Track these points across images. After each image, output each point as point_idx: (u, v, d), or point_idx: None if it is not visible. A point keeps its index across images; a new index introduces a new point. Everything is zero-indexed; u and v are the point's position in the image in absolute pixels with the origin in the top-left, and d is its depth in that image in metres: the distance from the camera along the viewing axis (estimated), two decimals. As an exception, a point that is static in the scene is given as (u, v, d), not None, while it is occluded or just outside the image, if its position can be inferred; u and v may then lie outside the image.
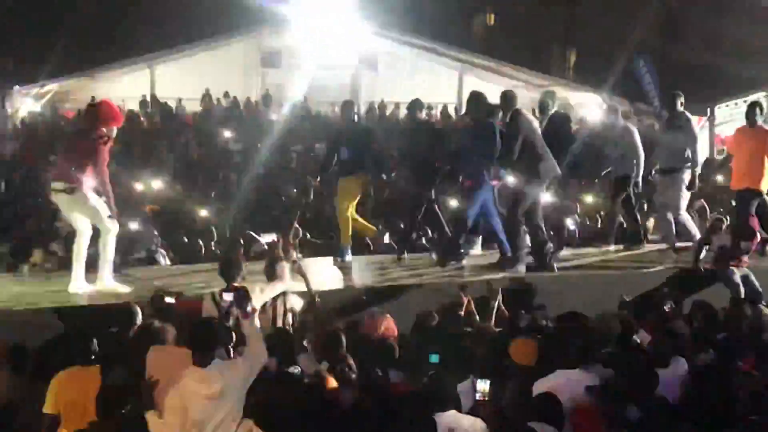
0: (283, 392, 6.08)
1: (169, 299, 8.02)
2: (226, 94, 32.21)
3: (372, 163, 11.57)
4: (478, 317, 8.61)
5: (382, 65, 33.49)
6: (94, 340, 6.77)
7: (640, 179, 12.67)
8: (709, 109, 28.74)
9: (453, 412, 6.03)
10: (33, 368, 6.87)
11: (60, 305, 8.86)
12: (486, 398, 6.17)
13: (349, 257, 11.46)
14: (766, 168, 11.33)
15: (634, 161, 12.45)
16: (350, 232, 11.46)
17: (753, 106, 11.80)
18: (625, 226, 13.14)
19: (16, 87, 29.47)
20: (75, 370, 6.47)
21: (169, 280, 10.28)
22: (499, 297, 8.98)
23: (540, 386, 6.47)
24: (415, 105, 12.01)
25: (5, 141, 27.49)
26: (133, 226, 13.34)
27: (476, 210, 11.07)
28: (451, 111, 32.71)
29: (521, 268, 10.72)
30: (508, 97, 11.34)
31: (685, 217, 12.26)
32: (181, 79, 31.38)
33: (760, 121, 11.64)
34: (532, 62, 34.73)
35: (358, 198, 11.51)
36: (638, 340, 7.99)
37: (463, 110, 30.18)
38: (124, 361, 6.48)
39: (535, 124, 11.06)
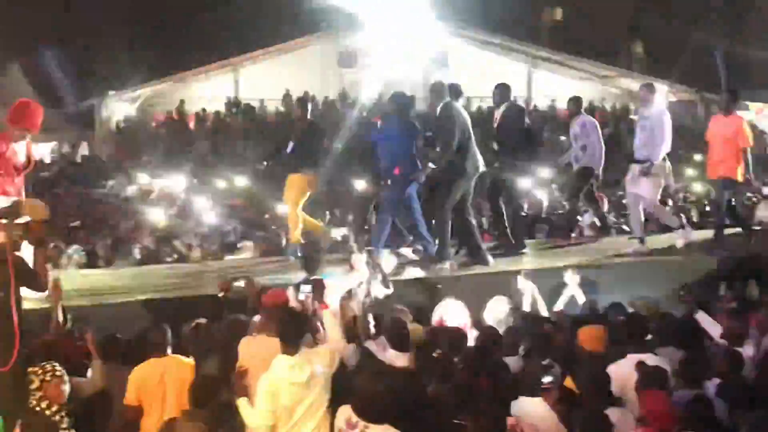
0: (378, 380, 6.08)
1: (238, 284, 8.12)
2: (305, 94, 32.39)
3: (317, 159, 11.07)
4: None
5: (452, 62, 33.37)
6: (169, 332, 6.77)
7: (600, 171, 12.28)
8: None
9: (529, 399, 5.98)
10: (123, 358, 6.93)
11: (149, 297, 9.01)
12: (553, 385, 6.11)
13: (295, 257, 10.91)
14: (741, 157, 10.96)
15: (595, 154, 12.08)
16: (299, 230, 10.93)
17: (729, 94, 11.46)
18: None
19: (111, 92, 29.93)
20: (152, 361, 6.56)
21: (251, 271, 10.13)
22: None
23: (612, 371, 6.38)
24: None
25: (102, 142, 28.01)
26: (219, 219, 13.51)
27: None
28: (521, 104, 32.48)
29: (447, 265, 10.23)
30: (436, 88, 10.46)
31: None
32: (263, 81, 31.64)
33: (734, 109, 11.30)
34: (599, 55, 34.32)
35: (306, 195, 10.91)
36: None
37: (533, 104, 30.17)
38: (216, 351, 6.56)
39: (465, 115, 10.29)
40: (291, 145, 10.70)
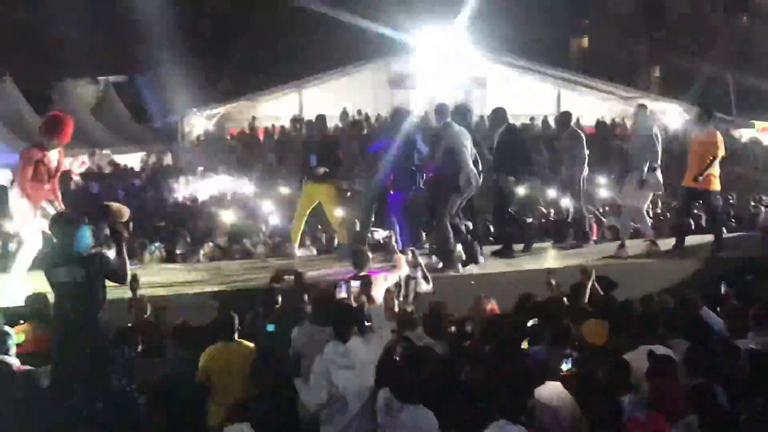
0: (412, 365, 6.04)
1: (288, 277, 8.11)
2: (359, 112, 32.44)
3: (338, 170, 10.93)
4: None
5: (490, 83, 33.23)
6: (236, 319, 6.76)
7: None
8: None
9: (553, 383, 5.90)
10: (195, 344, 6.93)
11: (219, 289, 9.04)
12: (571, 372, 6.03)
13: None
14: (715, 168, 10.60)
15: (582, 164, 11.64)
16: (299, 234, 11.00)
17: (702, 110, 11.17)
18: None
19: (193, 109, 30.24)
20: (219, 345, 6.56)
21: (305, 266, 10.11)
22: (593, 278, 8.78)
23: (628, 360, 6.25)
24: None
25: (184, 153, 28.28)
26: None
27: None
28: (551, 122, 32.27)
29: (458, 267, 10.01)
30: (439, 109, 10.31)
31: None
32: (324, 100, 31.66)
33: (709, 124, 10.90)
34: (621, 77, 34.04)
35: (318, 201, 10.83)
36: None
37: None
38: (270, 337, 6.55)
39: (460, 135, 9.96)
40: (313, 157, 10.62)
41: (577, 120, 31.28)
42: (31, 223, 8.47)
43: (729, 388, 5.98)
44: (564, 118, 12.41)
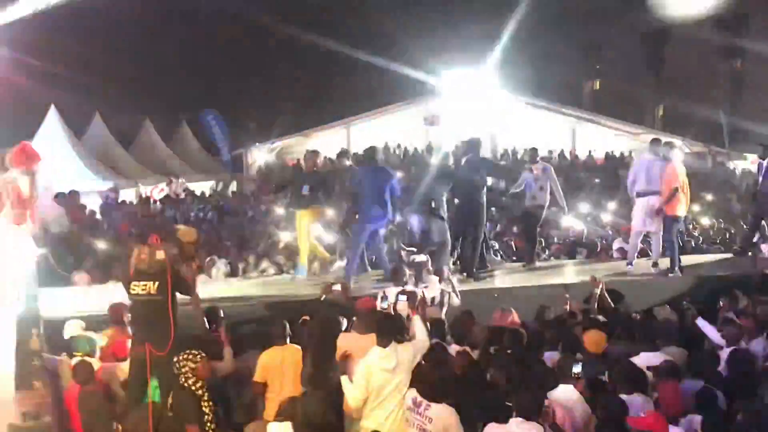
0: (437, 367, 6.03)
1: (336, 287, 8.09)
2: (399, 146, 32.56)
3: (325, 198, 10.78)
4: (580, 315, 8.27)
5: (513, 121, 33.17)
6: (287, 326, 6.75)
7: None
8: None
9: (565, 385, 5.82)
10: (253, 347, 6.96)
11: (274, 300, 9.05)
12: (579, 376, 5.94)
13: (303, 275, 10.63)
14: (680, 195, 10.27)
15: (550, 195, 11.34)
16: (307, 255, 10.65)
17: (666, 145, 10.90)
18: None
19: (255, 144, 30.56)
20: (275, 348, 6.58)
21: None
22: (602, 287, 8.67)
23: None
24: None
25: (248, 182, 28.55)
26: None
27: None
28: (567, 155, 32.09)
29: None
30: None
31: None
32: (368, 136, 31.80)
33: (668, 154, 10.56)
34: (629, 115, 33.82)
35: (311, 224, 10.60)
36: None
37: (577, 154, 29.67)
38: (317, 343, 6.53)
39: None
40: (306, 187, 10.49)
41: (589, 153, 31.27)
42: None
43: (724, 390, 5.91)
44: (532, 153, 12.26)
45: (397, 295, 7.21)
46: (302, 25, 33.32)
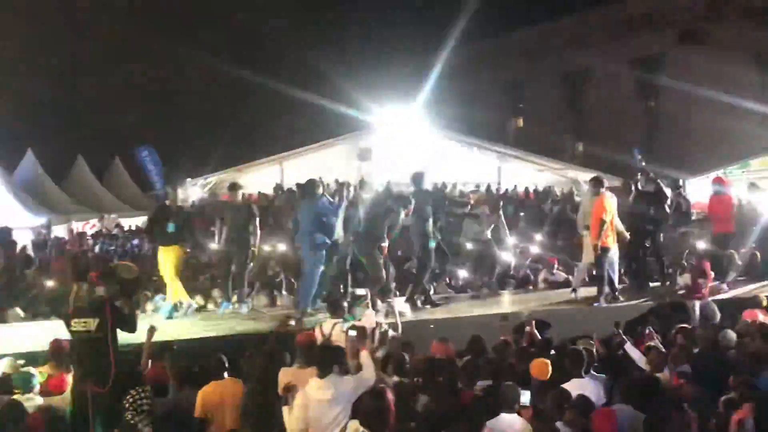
0: (377, 399, 6.03)
1: (291, 322, 8.06)
2: (336, 181, 32.61)
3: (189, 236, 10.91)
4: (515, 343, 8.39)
5: (442, 157, 33.58)
6: (225, 360, 6.71)
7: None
8: (682, 183, 28.23)
9: (509, 415, 5.88)
10: (194, 383, 6.87)
11: (216, 335, 8.94)
12: (527, 405, 6.03)
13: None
14: (608, 226, 10.68)
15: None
16: (181, 290, 10.56)
17: (595, 180, 11.34)
18: None
19: (188, 179, 30.16)
20: (214, 383, 6.52)
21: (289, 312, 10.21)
22: (533, 322, 8.83)
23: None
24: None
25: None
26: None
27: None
28: (493, 189, 32.68)
29: None
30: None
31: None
32: (302, 171, 31.79)
33: (602, 190, 11.00)
34: (551, 152, 34.59)
35: (176, 262, 10.51)
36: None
37: (503, 189, 30.22)
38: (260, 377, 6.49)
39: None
40: (171, 225, 10.45)
41: (515, 187, 31.86)
42: None
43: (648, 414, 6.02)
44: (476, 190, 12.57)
45: (346, 330, 7.20)
46: (237, 61, 33.28)
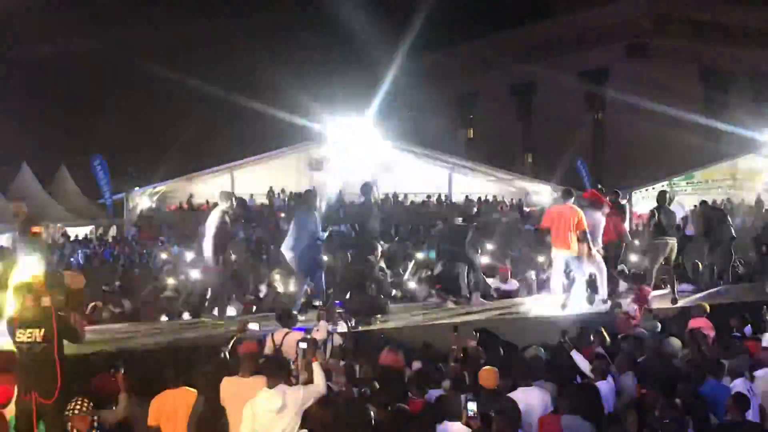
0: (326, 408, 6.04)
1: (252, 326, 7.96)
2: (283, 190, 32.51)
3: None
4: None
5: (394, 167, 33.73)
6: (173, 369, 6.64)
7: None
8: (628, 194, 28.86)
9: (454, 423, 5.89)
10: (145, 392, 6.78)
11: (167, 344, 8.84)
12: (474, 414, 6.05)
13: None
14: (572, 235, 10.81)
15: None
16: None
17: (564, 190, 11.54)
18: None
19: (136, 188, 29.75)
20: (167, 392, 6.42)
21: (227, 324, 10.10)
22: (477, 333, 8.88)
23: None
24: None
25: (128, 226, 27.73)
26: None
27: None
28: (443, 198, 32.96)
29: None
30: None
31: None
32: (252, 180, 31.67)
33: (569, 201, 11.11)
34: (501, 163, 34.96)
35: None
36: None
37: (452, 198, 30.46)
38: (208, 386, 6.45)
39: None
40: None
41: (466, 197, 32.16)
42: None
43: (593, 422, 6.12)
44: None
45: (297, 342, 7.17)
46: (187, 70, 33.01)
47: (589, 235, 10.91)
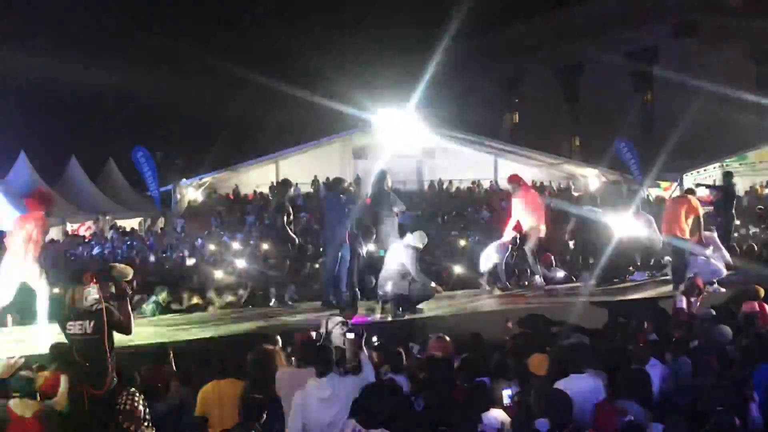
0: (372, 396, 6.03)
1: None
2: (328, 179, 32.60)
3: None
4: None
5: (438, 154, 33.63)
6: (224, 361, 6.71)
7: None
8: (678, 177, 28.36)
9: (497, 410, 5.89)
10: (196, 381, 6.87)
11: (212, 335, 8.92)
12: (512, 401, 6.02)
13: None
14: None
15: None
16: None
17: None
18: None
19: (183, 180, 30.13)
20: (213, 383, 6.47)
21: (283, 314, 10.22)
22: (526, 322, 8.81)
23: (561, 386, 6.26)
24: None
25: (176, 218, 28.12)
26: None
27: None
28: (487, 185, 32.74)
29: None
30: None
31: None
32: (297, 169, 31.82)
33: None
34: (547, 147, 34.59)
35: None
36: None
37: (499, 185, 30.28)
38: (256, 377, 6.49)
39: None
40: None
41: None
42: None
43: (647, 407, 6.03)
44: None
45: (344, 332, 7.19)
46: (233, 60, 33.23)
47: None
